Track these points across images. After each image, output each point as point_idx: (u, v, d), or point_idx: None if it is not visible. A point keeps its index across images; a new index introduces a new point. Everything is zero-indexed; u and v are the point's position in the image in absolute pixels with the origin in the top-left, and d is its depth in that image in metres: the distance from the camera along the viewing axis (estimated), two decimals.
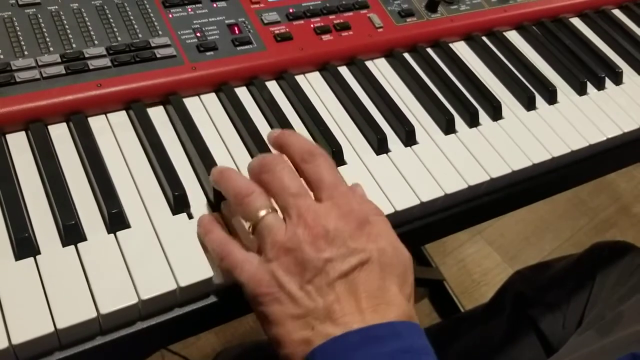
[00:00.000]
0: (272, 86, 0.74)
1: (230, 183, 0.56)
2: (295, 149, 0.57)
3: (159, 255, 0.55)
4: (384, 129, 0.71)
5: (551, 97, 0.82)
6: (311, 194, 0.55)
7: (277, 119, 0.69)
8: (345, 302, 0.50)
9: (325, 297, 0.50)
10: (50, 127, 0.63)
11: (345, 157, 0.68)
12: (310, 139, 0.69)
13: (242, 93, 0.72)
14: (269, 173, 0.55)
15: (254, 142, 0.65)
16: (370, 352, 0.48)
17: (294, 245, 0.51)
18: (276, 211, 0.54)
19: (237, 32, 0.74)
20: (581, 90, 0.85)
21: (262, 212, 0.53)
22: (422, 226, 0.69)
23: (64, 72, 0.64)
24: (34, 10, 0.68)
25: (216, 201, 0.60)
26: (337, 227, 0.52)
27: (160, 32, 0.70)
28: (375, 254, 0.53)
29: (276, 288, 0.51)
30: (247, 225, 0.55)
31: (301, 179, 0.56)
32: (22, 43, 0.65)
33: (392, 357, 0.48)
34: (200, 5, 0.75)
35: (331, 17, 0.80)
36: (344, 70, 0.78)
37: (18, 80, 0.62)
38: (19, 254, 0.53)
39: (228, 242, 0.55)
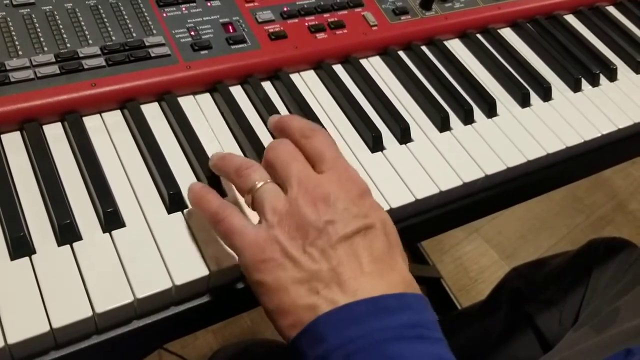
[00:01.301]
0: (267, 85, 0.74)
1: (230, 162, 0.56)
2: (295, 127, 0.57)
3: (154, 253, 0.55)
4: (379, 126, 0.71)
5: (546, 93, 0.82)
6: None
7: None
8: (348, 265, 0.49)
9: (329, 259, 0.49)
10: (45, 127, 0.63)
11: None
12: None
13: (237, 92, 0.72)
14: (272, 150, 0.55)
15: (248, 140, 0.66)
16: (378, 324, 0.47)
17: (294, 209, 0.51)
18: (274, 183, 0.54)
19: (231, 30, 0.74)
20: (576, 87, 0.85)
21: (260, 183, 0.53)
22: (417, 223, 0.69)
23: (58, 71, 0.64)
24: (28, 10, 0.68)
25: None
26: (338, 192, 0.52)
27: (154, 32, 0.71)
28: (378, 222, 0.52)
29: (279, 253, 0.50)
30: (247, 198, 0.54)
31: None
32: (17, 43, 0.65)
33: (400, 332, 0.47)
34: (194, 4, 0.75)
35: (325, 15, 0.80)
36: (338, 69, 0.78)
37: (12, 80, 0.62)
38: (15, 254, 0.53)
39: (227, 205, 0.54)
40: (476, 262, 1.87)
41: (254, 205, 0.53)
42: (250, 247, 0.51)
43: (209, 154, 0.63)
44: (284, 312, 0.49)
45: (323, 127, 0.69)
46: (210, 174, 0.61)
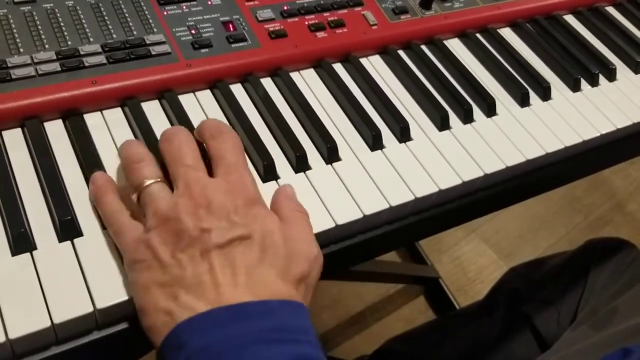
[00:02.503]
0: (267, 83, 0.74)
1: (125, 150, 0.57)
2: (207, 126, 0.58)
3: None
4: (379, 125, 0.72)
5: (545, 93, 0.82)
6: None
7: (272, 115, 0.69)
8: (218, 274, 0.49)
9: (196, 266, 0.49)
10: (46, 124, 0.63)
11: (340, 154, 0.68)
12: (306, 136, 0.69)
13: (237, 90, 0.72)
14: (167, 142, 0.56)
15: (248, 138, 0.66)
16: (237, 329, 0.46)
17: (174, 214, 0.51)
18: (164, 182, 0.54)
19: (231, 29, 0.74)
20: (575, 87, 0.85)
21: (148, 181, 0.53)
22: (416, 222, 0.69)
23: (59, 69, 0.64)
24: (29, 7, 0.68)
25: None
26: (222, 200, 0.52)
27: (155, 30, 0.71)
28: (257, 233, 0.52)
29: (149, 255, 0.50)
30: (134, 196, 0.54)
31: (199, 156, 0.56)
32: (18, 40, 0.65)
33: (261, 335, 0.46)
34: (194, 2, 0.75)
35: (325, 14, 0.80)
36: (338, 67, 0.78)
37: (14, 77, 0.62)
38: (16, 250, 0.53)
39: (117, 209, 0.55)
40: (474, 262, 1.87)
41: (139, 203, 0.54)
42: (127, 246, 0.52)
43: None
44: (144, 313, 0.50)
45: (323, 126, 0.69)
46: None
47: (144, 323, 0.50)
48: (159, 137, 0.63)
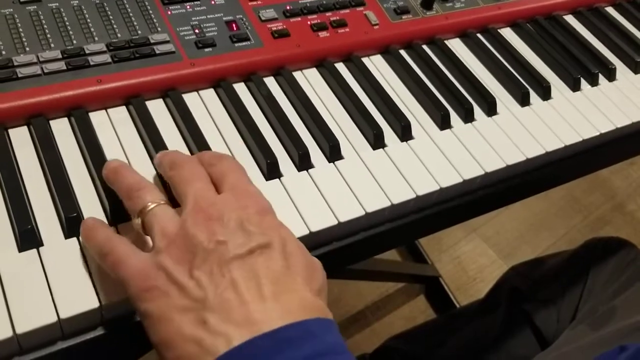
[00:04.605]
0: (270, 82, 0.75)
1: (123, 179, 0.54)
2: (205, 156, 0.56)
3: None
4: (380, 124, 0.72)
5: (545, 93, 0.83)
6: None
7: (275, 114, 0.70)
8: (243, 288, 0.44)
9: (218, 283, 0.45)
10: (51, 122, 0.64)
11: (342, 152, 0.69)
12: (308, 135, 0.70)
13: (240, 89, 0.73)
14: (178, 168, 0.53)
15: (252, 137, 0.66)
16: (283, 358, 0.42)
17: (184, 231, 0.47)
18: (169, 204, 0.51)
19: (234, 28, 0.75)
20: (575, 87, 0.86)
21: (152, 204, 0.50)
22: (417, 220, 0.69)
23: (64, 67, 0.65)
24: (35, 7, 0.69)
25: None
26: (234, 211, 0.48)
27: (159, 29, 0.71)
28: (277, 240, 0.48)
29: (164, 280, 0.45)
30: (137, 221, 0.51)
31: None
32: (24, 39, 0.66)
33: None
34: (198, 2, 0.75)
35: (328, 14, 0.81)
36: (340, 67, 0.79)
37: (20, 75, 0.63)
38: (22, 246, 0.54)
39: (112, 237, 0.50)
40: (475, 262, 1.87)
41: (144, 230, 0.51)
42: (134, 277, 0.47)
43: (213, 150, 0.64)
44: (168, 345, 0.44)
45: (326, 125, 0.70)
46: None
47: (167, 356, 0.45)
48: (163, 136, 0.64)
